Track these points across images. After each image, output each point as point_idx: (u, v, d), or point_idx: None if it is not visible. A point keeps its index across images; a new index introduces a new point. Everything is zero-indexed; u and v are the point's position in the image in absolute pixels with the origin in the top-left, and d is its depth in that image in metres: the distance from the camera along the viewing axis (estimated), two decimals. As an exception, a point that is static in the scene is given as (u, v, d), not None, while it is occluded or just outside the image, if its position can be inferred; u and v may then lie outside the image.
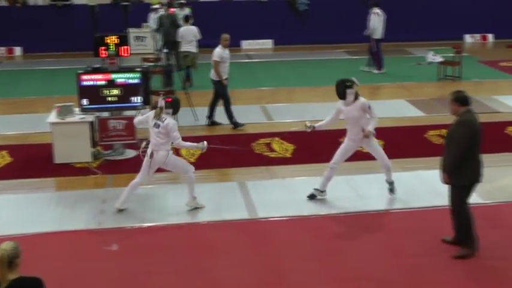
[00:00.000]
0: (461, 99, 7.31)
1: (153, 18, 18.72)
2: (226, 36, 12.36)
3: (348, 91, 8.63)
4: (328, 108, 13.77)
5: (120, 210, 8.72)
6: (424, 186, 9.48)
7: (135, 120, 9.16)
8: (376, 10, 17.68)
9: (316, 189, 9.05)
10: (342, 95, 8.68)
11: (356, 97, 8.68)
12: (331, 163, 8.93)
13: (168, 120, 8.41)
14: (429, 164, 10.00)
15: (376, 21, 17.49)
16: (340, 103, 8.78)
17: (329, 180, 8.97)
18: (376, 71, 17.62)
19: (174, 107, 8.51)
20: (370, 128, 8.68)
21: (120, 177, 10.10)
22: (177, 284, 6.94)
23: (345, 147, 8.89)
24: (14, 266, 4.68)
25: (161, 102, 8.47)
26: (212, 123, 12.72)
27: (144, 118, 8.75)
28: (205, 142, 8.66)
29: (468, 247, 7.39)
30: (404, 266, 7.22)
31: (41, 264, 6.45)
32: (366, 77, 17.20)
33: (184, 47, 16.11)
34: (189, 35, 16.10)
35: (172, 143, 8.56)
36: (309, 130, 9.04)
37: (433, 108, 13.81)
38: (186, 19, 16.50)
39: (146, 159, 8.59)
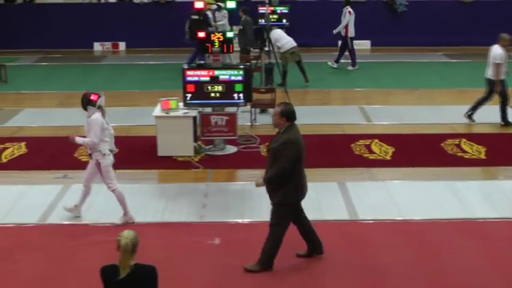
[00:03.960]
0: (288, 114, 6.88)
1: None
2: (507, 37, 12.31)
3: None
4: (426, 111, 13.57)
5: None
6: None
7: None
8: (349, 9, 17.96)
9: None
10: None
11: None
12: None
13: None
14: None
15: (350, 19, 17.78)
16: None
17: None
18: (351, 68, 17.91)
19: None
20: None
21: (220, 172, 10.30)
22: (273, 283, 6.99)
23: None
24: (134, 253, 4.97)
25: None
26: (506, 123, 12.42)
27: None
28: None
29: (260, 264, 7.12)
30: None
31: (143, 254, 6.63)
32: (454, 80, 16.66)
33: (289, 44, 15.57)
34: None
35: None
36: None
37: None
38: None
39: None
